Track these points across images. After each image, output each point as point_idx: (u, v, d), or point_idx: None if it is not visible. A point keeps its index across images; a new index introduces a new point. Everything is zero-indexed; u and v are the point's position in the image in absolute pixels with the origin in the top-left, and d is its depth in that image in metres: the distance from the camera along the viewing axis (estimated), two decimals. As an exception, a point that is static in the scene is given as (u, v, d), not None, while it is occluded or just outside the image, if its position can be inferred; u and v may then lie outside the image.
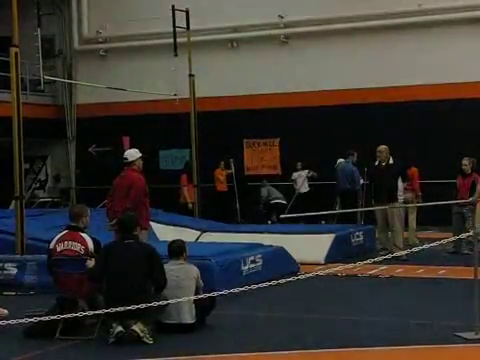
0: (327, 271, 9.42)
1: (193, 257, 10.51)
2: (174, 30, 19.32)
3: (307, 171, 21.92)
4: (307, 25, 22.68)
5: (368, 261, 8.79)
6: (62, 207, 23.42)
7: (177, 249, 9.18)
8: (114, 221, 10.94)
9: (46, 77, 18.76)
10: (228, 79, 22.88)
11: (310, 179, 21.96)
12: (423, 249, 9.03)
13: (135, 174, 11.62)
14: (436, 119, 20.91)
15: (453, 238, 11.56)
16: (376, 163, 15.35)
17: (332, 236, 15.15)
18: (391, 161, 15.14)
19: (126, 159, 11.71)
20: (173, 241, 9.39)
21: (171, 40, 19.52)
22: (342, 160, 18.80)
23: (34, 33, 16.96)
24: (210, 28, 23.27)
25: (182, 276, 8.91)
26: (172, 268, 8.86)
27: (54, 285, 9.12)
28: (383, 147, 15.23)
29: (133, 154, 11.77)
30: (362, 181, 17.74)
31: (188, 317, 8.79)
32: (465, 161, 15.71)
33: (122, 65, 24.38)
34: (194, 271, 9.08)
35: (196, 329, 8.80)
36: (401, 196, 15.72)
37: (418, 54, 21.16)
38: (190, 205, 19.81)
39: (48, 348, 8.27)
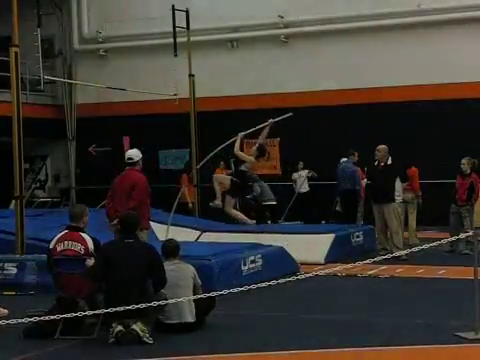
0: (327, 271, 9.43)
1: (193, 257, 10.54)
2: (174, 30, 19.32)
3: (307, 171, 21.91)
4: (307, 25, 22.67)
5: (368, 261, 8.80)
6: (62, 207, 23.41)
7: (173, 249, 9.19)
8: (116, 221, 10.92)
9: (46, 77, 18.76)
10: (228, 79, 22.86)
11: (310, 179, 21.94)
12: (423, 249, 9.04)
13: (138, 174, 11.62)
14: (436, 119, 20.90)
15: (453, 238, 11.57)
16: (375, 163, 15.37)
17: (332, 236, 15.16)
18: (389, 161, 15.16)
19: (131, 159, 11.69)
20: (168, 241, 9.41)
21: (171, 40, 19.52)
22: (345, 159, 18.79)
23: (34, 33, 16.97)
24: (210, 28, 23.24)
25: (180, 275, 8.92)
26: (170, 268, 8.85)
27: (54, 285, 9.12)
28: (382, 147, 15.24)
29: (137, 154, 11.79)
30: (365, 181, 17.69)
31: (189, 316, 8.79)
32: (464, 161, 15.75)
33: (122, 65, 24.36)
34: (190, 270, 9.10)
35: (196, 329, 8.80)
36: (399, 196, 15.74)
37: (418, 54, 21.15)
38: (190, 205, 19.82)
39: (48, 348, 8.28)
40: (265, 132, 14.36)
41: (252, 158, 13.82)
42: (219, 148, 16.26)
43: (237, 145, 14.12)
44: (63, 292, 8.86)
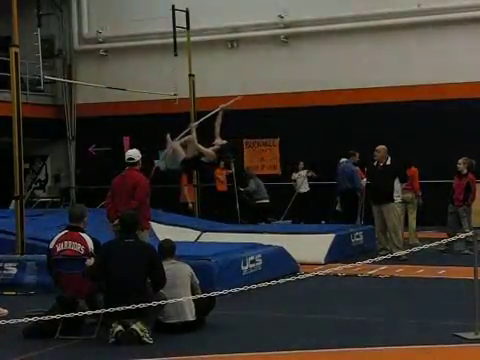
0: (327, 271, 9.44)
1: (193, 257, 10.54)
2: (174, 30, 19.34)
3: (306, 171, 21.92)
4: (307, 25, 22.67)
5: (368, 261, 8.80)
6: (62, 207, 23.42)
7: (170, 249, 9.20)
8: (116, 221, 10.90)
9: (46, 77, 18.79)
10: (228, 79, 22.86)
11: (310, 179, 21.95)
12: (423, 249, 9.04)
13: (139, 174, 11.61)
14: (436, 119, 20.91)
15: (453, 238, 11.57)
16: (374, 163, 15.38)
17: (332, 236, 15.16)
18: (389, 162, 15.17)
19: (132, 159, 11.66)
20: (165, 241, 9.40)
21: (171, 40, 19.54)
22: (344, 160, 18.78)
23: (34, 33, 16.99)
24: (210, 28, 23.25)
25: (177, 275, 8.93)
26: (168, 268, 8.85)
27: (54, 285, 9.13)
28: (381, 147, 15.25)
29: (138, 154, 11.78)
30: (365, 181, 17.68)
31: (189, 315, 8.80)
32: (460, 161, 15.78)
33: (122, 65, 24.37)
34: (187, 269, 9.13)
35: (196, 328, 8.81)
36: (398, 197, 15.73)
37: (418, 54, 21.16)
38: (190, 205, 19.83)
39: (48, 348, 8.28)
40: (219, 119, 14.32)
41: (211, 151, 13.78)
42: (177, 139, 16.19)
43: (194, 137, 14.09)
44: (63, 292, 8.87)
